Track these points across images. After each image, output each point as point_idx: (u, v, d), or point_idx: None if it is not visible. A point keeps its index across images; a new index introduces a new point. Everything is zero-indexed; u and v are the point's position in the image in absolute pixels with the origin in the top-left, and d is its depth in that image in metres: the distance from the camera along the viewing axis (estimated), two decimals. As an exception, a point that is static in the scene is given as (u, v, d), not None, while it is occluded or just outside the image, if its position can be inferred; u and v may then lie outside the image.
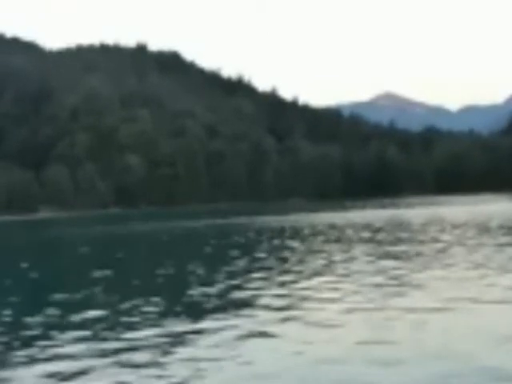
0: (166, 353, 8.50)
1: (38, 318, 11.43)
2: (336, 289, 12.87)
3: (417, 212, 54.53)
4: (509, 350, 7.70)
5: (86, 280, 17.23)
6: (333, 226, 36.31)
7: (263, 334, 9.33)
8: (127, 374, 7.65)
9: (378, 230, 30.35)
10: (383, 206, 76.79)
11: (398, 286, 12.88)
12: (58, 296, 14.27)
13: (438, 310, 10.26)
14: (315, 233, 31.44)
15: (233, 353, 8.32)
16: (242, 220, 55.52)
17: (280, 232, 33.99)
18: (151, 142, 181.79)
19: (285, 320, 10.19)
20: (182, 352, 8.53)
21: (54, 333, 10.09)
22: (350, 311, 10.55)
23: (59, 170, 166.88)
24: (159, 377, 7.50)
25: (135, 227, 54.46)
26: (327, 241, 25.62)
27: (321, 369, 7.43)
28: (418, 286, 12.58)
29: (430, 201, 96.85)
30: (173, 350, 8.68)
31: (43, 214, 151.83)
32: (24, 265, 22.63)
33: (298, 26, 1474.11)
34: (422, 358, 7.56)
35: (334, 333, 9.14)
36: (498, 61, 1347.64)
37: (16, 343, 9.60)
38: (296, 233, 32.42)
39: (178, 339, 9.29)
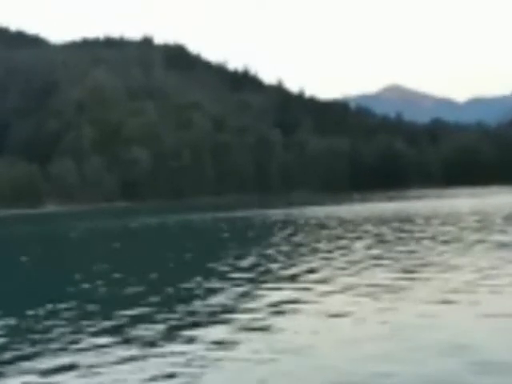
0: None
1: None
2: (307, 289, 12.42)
3: (421, 205, 54.04)
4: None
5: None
6: (337, 220, 35.93)
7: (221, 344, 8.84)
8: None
9: (378, 224, 29.91)
10: (389, 199, 76.39)
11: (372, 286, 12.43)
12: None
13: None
14: (313, 227, 31.01)
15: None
16: (246, 214, 55.26)
17: (278, 226, 33.59)
18: (157, 135, 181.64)
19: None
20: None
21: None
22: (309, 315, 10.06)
23: (65, 163, 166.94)
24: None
25: (142, 221, 54.19)
26: (323, 236, 25.19)
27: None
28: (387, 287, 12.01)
29: (436, 194, 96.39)
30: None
31: (49, 207, 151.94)
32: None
33: (303, 19, 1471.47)
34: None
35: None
36: (506, 51, 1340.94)
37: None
38: (296, 227, 32.05)
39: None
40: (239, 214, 55.92)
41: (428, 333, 8.37)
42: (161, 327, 9.70)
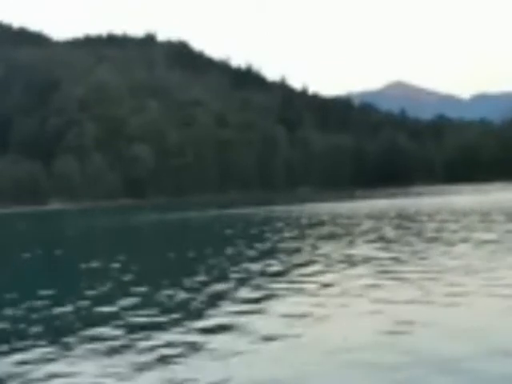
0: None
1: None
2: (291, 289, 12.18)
3: (421, 202, 53.87)
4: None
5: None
6: (333, 217, 35.82)
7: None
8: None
9: (371, 221, 29.69)
10: (390, 196, 76.22)
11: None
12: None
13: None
14: (309, 225, 30.81)
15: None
16: (246, 211, 55.16)
17: (275, 223, 33.43)
18: (160, 132, 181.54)
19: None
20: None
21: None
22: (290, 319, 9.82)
23: (68, 161, 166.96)
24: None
25: (142, 219, 54.12)
26: (323, 235, 24.98)
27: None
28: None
29: (439, 190, 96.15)
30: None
31: (53, 205, 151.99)
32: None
33: (307, 15, 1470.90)
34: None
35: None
36: (511, 48, 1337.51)
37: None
38: (292, 224, 31.87)
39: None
40: (239, 211, 55.82)
41: (401, 335, 8.16)
42: (133, 328, 9.46)
